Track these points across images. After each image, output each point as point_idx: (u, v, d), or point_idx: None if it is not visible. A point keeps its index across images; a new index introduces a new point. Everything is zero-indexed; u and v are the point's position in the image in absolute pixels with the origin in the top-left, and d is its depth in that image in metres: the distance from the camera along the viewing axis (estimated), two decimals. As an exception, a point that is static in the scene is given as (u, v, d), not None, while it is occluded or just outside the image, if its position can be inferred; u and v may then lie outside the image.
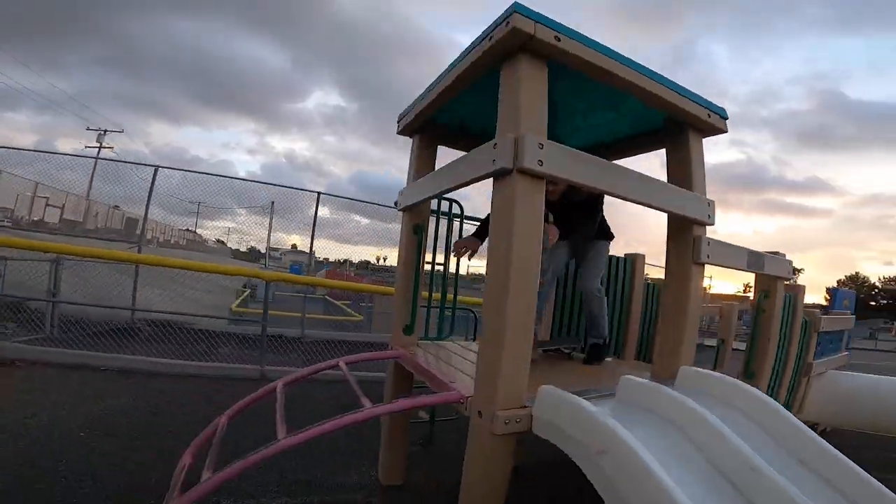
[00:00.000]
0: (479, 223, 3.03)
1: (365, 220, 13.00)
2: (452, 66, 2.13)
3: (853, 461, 1.59)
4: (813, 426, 3.37)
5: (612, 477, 1.40)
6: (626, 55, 1.91)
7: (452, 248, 2.95)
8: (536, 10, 1.68)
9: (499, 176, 1.75)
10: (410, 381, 2.84)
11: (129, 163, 9.31)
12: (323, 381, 4.55)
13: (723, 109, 2.28)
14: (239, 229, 13.35)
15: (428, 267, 3.02)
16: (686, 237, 2.23)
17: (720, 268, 2.48)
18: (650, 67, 1.99)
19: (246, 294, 14.88)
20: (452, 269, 3.24)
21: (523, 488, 2.85)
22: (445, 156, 2.87)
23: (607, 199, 2.76)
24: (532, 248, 1.72)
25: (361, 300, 12.71)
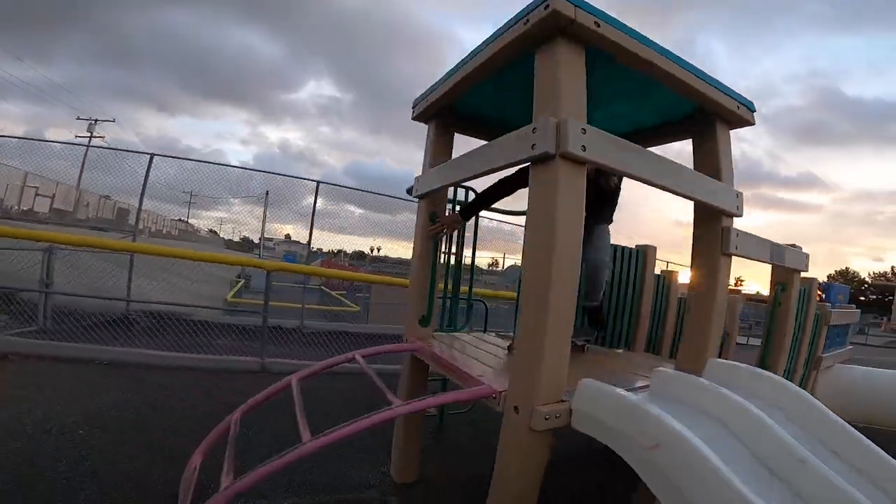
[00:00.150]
0: (494, 211, 2.93)
1: (359, 211, 12.92)
2: (478, 50, 2.07)
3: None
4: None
5: (666, 471, 1.35)
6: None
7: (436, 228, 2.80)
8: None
9: (539, 161, 1.68)
10: (426, 374, 2.76)
11: (125, 150, 9.11)
12: (326, 374, 4.42)
13: (751, 102, 2.27)
14: (232, 219, 13.19)
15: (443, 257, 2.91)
16: (714, 228, 2.19)
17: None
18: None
19: (241, 284, 14.70)
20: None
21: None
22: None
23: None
24: (575, 236, 1.65)
25: (358, 290, 12.60)
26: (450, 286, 3.14)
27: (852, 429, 1.69)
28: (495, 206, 2.89)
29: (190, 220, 18.27)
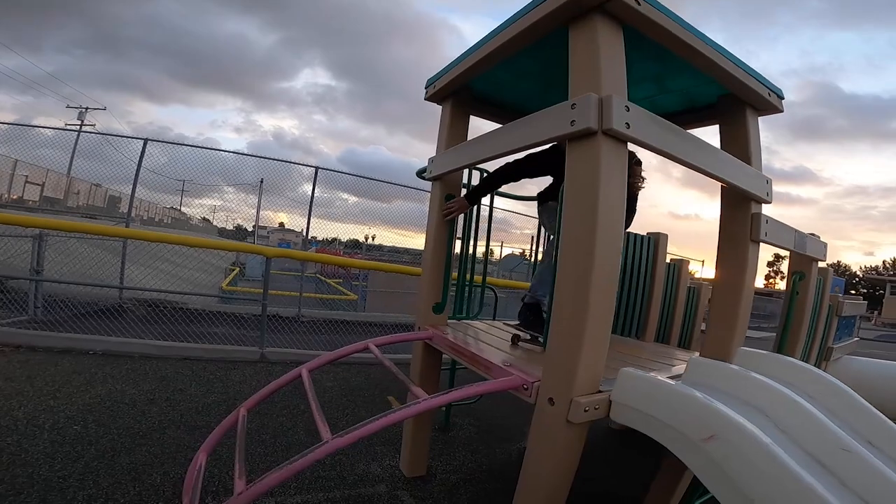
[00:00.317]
0: (508, 197, 2.81)
1: (353, 199, 12.82)
2: (503, 26, 1.98)
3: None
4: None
5: (722, 464, 1.27)
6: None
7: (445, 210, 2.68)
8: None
9: (578, 138, 1.57)
10: (439, 363, 2.65)
11: (117, 135, 8.91)
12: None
13: (780, 90, 2.23)
14: (226, 207, 13.05)
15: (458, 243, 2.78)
16: (743, 214, 2.15)
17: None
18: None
19: (236, 272, 14.55)
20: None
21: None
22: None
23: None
24: (618, 219, 1.55)
25: (354, 279, 12.51)
26: (459, 272, 3.00)
27: (887, 418, 1.65)
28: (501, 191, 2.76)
29: (182, 209, 18.06)
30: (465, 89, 2.62)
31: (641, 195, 2.59)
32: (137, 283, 6.65)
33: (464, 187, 2.79)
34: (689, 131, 2.66)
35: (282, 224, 20.84)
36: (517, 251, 15.55)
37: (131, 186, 7.45)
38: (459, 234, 2.76)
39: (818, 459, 1.43)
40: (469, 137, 2.59)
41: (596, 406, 1.50)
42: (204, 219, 21.02)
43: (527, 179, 2.59)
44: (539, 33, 1.85)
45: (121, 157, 8.23)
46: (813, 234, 2.88)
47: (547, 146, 2.47)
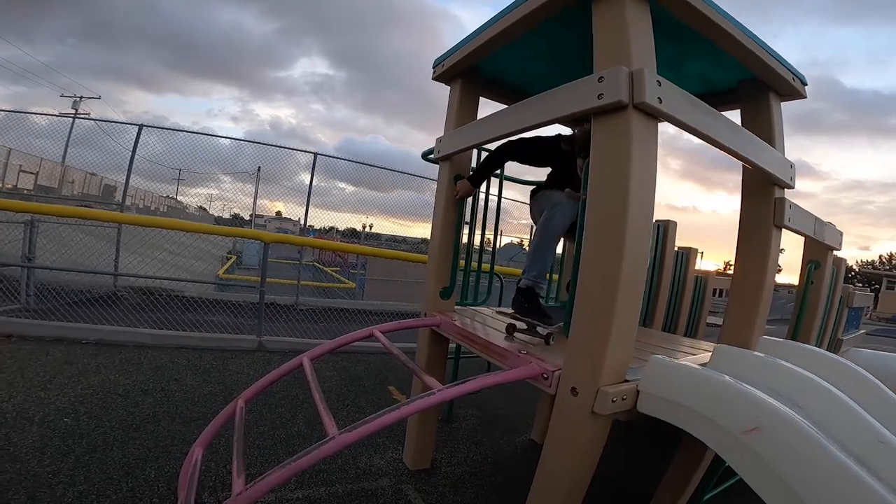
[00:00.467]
0: (515, 181, 2.70)
1: (351, 188, 12.70)
2: (519, 2, 1.87)
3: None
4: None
5: (767, 458, 1.18)
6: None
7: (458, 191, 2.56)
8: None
9: (605, 112, 1.47)
10: (446, 351, 2.54)
11: (112, 121, 8.75)
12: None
13: (803, 75, 2.19)
14: (222, 196, 12.92)
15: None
16: (767, 199, 2.08)
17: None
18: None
19: (232, 260, 14.43)
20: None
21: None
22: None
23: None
24: (650, 198, 1.45)
25: (352, 267, 12.43)
26: (467, 258, 2.89)
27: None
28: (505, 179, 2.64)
29: (179, 198, 17.88)
30: (474, 70, 2.52)
31: None
32: (132, 271, 6.52)
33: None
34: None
35: (279, 213, 20.67)
36: (515, 240, 15.50)
37: (126, 173, 7.32)
38: (467, 219, 2.64)
39: (853, 452, 1.32)
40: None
41: (624, 396, 1.39)
42: (200, 207, 20.85)
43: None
44: (557, 8, 1.75)
45: (116, 146, 8.11)
46: (829, 223, 2.79)
47: (551, 135, 2.36)
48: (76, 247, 6.23)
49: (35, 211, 5.11)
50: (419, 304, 2.67)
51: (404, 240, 22.52)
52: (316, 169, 8.71)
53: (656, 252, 3.49)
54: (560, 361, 1.55)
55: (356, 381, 4.00)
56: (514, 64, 2.46)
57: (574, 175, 2.24)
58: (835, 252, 2.89)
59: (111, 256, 6.66)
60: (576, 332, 1.49)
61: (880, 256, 63.98)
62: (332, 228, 20.91)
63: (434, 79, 2.62)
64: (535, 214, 2.45)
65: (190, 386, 3.42)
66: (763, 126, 2.12)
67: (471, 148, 2.42)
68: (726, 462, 2.19)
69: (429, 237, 2.75)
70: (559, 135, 2.36)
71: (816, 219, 2.43)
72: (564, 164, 2.33)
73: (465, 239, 2.65)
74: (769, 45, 1.93)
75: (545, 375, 1.52)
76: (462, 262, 2.69)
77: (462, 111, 2.51)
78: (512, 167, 2.77)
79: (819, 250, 2.77)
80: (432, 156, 2.65)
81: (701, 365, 1.65)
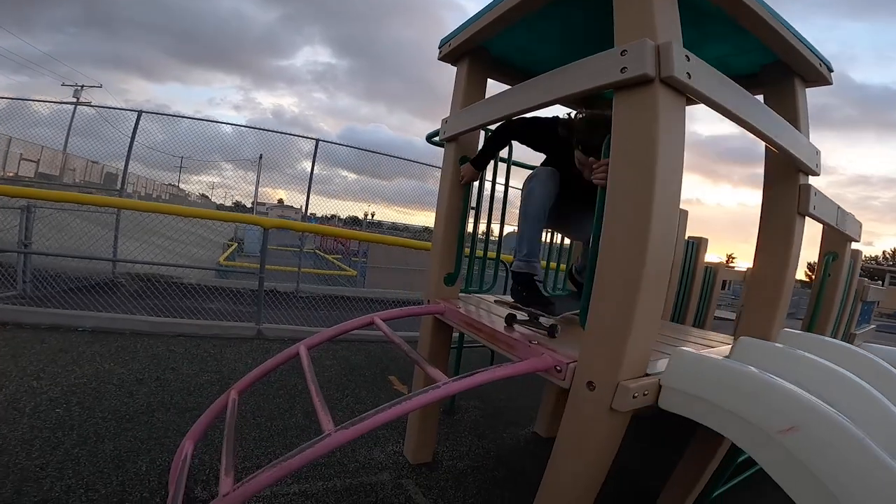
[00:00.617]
0: (524, 167, 2.58)
1: (353, 176, 12.60)
2: None
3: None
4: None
5: (805, 459, 1.08)
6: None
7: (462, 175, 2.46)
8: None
9: (629, 87, 1.35)
10: (449, 340, 2.45)
11: (111, 108, 8.64)
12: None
13: (830, 62, 2.12)
14: (224, 184, 12.84)
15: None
16: (791, 185, 1.98)
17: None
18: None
19: (233, 247, 14.36)
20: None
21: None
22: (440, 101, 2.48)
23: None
24: (677, 179, 1.34)
25: (354, 255, 12.36)
26: (472, 243, 2.79)
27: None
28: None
29: (180, 185, 17.81)
30: (481, 50, 2.40)
31: None
32: (131, 257, 6.44)
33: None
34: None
35: (281, 200, 20.63)
36: (516, 229, 15.39)
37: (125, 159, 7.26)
38: (473, 203, 2.52)
39: (886, 447, 1.24)
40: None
41: (645, 392, 1.29)
42: (202, 195, 20.80)
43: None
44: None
45: (118, 135, 8.05)
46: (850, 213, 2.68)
47: (549, 117, 2.23)
48: (74, 233, 6.14)
49: (31, 196, 5.00)
50: (421, 291, 2.57)
51: (406, 227, 22.43)
52: (318, 157, 8.61)
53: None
54: (573, 353, 1.45)
55: (356, 370, 3.91)
56: (523, 46, 2.35)
57: (569, 165, 2.10)
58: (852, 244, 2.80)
59: (110, 243, 6.58)
60: (593, 322, 1.38)
61: (884, 252, 63.55)
62: (333, 216, 20.89)
63: (440, 59, 2.52)
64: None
65: (186, 375, 3.33)
66: (788, 112, 2.01)
67: (478, 128, 2.30)
68: (742, 457, 2.12)
69: (431, 226, 2.65)
70: (556, 117, 2.22)
71: (839, 208, 2.33)
72: (559, 151, 2.18)
73: (470, 228, 2.55)
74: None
75: (558, 368, 1.42)
76: (467, 250, 2.60)
77: (469, 91, 2.40)
78: (518, 156, 2.68)
79: (837, 241, 2.67)
80: (437, 138, 2.54)
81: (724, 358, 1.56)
